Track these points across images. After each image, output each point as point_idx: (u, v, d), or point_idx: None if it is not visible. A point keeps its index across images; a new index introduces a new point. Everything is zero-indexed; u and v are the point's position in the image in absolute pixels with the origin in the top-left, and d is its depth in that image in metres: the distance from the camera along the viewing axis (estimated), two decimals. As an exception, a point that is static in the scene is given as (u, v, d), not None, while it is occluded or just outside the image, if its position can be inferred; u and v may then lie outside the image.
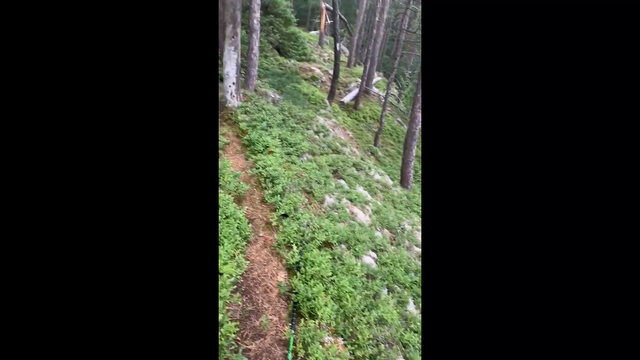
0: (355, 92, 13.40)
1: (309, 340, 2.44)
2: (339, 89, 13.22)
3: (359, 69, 17.51)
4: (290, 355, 2.38)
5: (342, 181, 5.64)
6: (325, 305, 2.78)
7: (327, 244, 3.63)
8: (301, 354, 2.40)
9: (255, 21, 6.54)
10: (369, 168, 7.09)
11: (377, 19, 13.06)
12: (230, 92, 5.78)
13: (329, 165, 5.86)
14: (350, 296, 3.00)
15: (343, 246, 3.76)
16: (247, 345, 2.45)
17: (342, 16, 17.96)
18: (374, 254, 3.98)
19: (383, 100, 13.71)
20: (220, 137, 5.13)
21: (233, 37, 5.58)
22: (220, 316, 2.32)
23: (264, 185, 4.20)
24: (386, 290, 3.50)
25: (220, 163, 4.24)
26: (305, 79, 11.78)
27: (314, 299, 2.79)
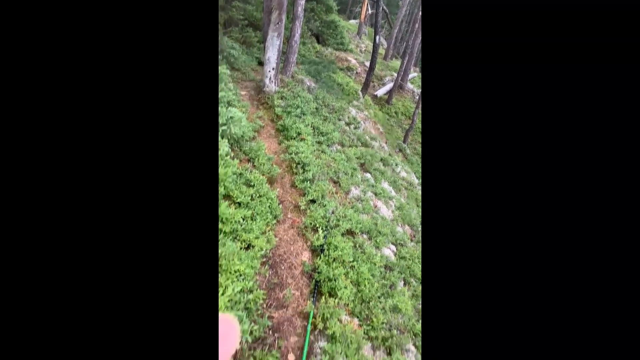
0: (389, 86, 13.26)
1: (328, 315, 2.65)
2: (373, 82, 13.13)
3: (396, 63, 17.20)
4: (309, 327, 2.60)
5: (368, 175, 5.75)
6: (345, 288, 2.98)
7: (350, 232, 3.81)
8: (320, 326, 2.61)
9: (300, 8, 6.64)
10: (396, 164, 7.14)
11: (420, 13, 12.73)
12: (269, 77, 5.98)
13: (357, 158, 5.98)
14: (368, 282, 3.18)
15: (365, 236, 3.92)
16: (270, 313, 2.70)
17: (384, 7, 17.55)
18: (393, 247, 4.12)
19: (417, 98, 13.49)
20: (256, 120, 5.36)
21: (278, 23, 5.73)
22: (250, 283, 2.57)
23: (295, 170, 4.40)
24: (402, 282, 3.65)
25: (255, 144, 4.47)
26: (341, 69, 11.79)
27: (335, 280, 2.98)
